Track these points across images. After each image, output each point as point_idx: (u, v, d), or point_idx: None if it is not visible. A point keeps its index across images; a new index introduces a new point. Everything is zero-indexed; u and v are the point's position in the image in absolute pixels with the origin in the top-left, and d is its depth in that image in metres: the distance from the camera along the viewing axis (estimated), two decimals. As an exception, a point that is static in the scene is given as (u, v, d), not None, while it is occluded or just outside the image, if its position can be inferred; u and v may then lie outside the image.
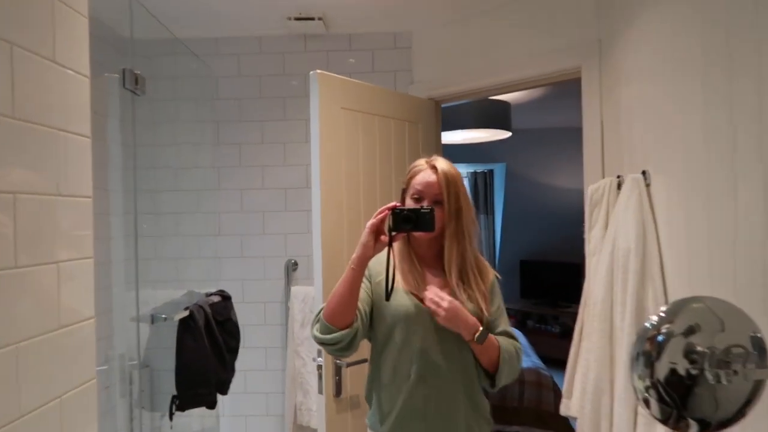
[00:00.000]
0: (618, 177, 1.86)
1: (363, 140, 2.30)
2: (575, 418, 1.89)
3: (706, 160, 1.30)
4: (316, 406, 2.60)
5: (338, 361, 2.10)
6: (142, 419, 2.14)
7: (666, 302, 1.57)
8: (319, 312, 1.49)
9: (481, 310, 1.50)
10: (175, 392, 1.88)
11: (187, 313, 1.94)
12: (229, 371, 2.16)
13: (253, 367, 2.91)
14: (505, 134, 4.47)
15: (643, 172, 1.69)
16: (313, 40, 2.90)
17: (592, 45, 2.17)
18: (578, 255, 2.15)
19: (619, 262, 1.69)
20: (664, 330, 0.84)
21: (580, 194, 2.29)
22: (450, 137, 4.40)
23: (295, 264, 2.89)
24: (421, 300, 1.48)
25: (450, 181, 1.51)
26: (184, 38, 2.61)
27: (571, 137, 3.43)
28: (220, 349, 2.04)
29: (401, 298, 1.52)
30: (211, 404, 1.99)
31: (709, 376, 0.83)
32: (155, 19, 2.15)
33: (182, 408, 1.89)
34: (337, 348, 1.46)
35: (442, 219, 1.51)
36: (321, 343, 1.48)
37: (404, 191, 1.59)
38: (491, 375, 1.53)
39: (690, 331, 0.85)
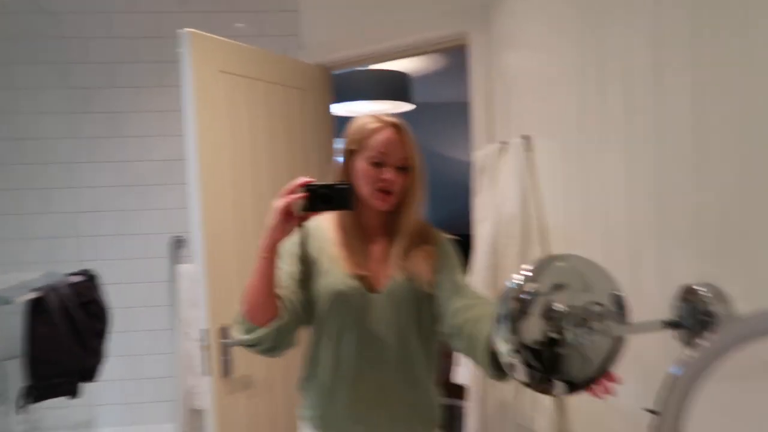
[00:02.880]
0: (503, 143, 1.87)
1: (246, 108, 2.16)
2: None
3: (581, 124, 1.31)
4: (208, 389, 2.49)
5: (225, 341, 1.99)
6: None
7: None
8: (239, 312, 1.32)
9: (417, 281, 1.35)
10: (25, 383, 1.69)
11: (33, 295, 1.74)
12: (94, 357, 1.99)
13: (140, 352, 2.73)
14: (408, 107, 4.44)
15: (525, 137, 1.70)
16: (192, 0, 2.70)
17: (478, 10, 2.16)
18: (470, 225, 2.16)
19: (504, 227, 1.70)
20: (529, 289, 0.81)
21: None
22: (352, 107, 4.31)
23: (181, 241, 2.72)
24: (364, 278, 1.35)
25: (415, 142, 1.36)
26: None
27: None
28: (81, 334, 1.86)
29: (338, 276, 1.36)
30: (71, 393, 1.81)
31: (569, 335, 0.82)
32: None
33: (37, 399, 1.71)
34: (263, 348, 1.30)
35: (405, 185, 1.36)
36: (244, 345, 1.31)
37: (352, 153, 1.37)
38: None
39: (555, 289, 0.83)
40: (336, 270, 1.37)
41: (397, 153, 1.34)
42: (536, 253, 1.59)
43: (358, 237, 1.40)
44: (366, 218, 1.41)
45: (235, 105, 2.11)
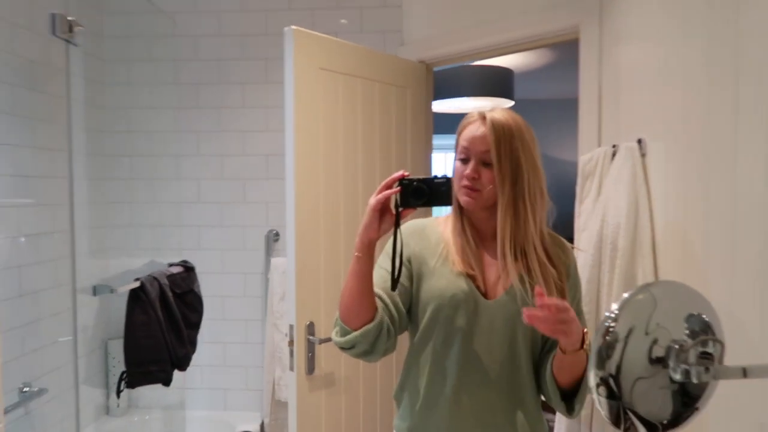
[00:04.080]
0: (613, 146, 1.71)
1: (343, 105, 2.15)
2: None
3: (707, 128, 1.14)
4: (294, 382, 2.52)
5: (311, 337, 1.99)
6: (93, 395, 2.07)
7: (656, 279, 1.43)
8: (338, 313, 1.27)
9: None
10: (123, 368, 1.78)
11: (136, 284, 1.81)
12: (187, 346, 2.06)
13: (232, 340, 2.82)
14: (507, 103, 4.28)
15: (639, 141, 1.54)
16: (298, -4, 2.74)
17: (591, 1, 1.99)
18: (572, 230, 2.00)
19: (609, 238, 1.55)
20: (611, 330, 0.74)
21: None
22: (453, 104, 4.22)
23: (277, 235, 2.77)
24: (474, 282, 1.25)
25: (503, 136, 1.20)
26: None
27: (576, 108, 3.25)
28: (177, 323, 1.93)
29: (449, 279, 1.25)
30: (165, 381, 1.88)
31: (674, 373, 0.72)
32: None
33: (131, 385, 1.79)
34: (358, 352, 1.24)
35: (492, 183, 1.22)
36: (340, 347, 1.25)
37: (456, 153, 1.31)
38: (568, 397, 1.23)
39: (629, 333, 0.76)
40: (445, 271, 1.27)
41: (478, 146, 1.22)
42: (647, 268, 1.43)
43: (469, 238, 1.29)
44: (477, 220, 1.30)
45: (333, 102, 2.10)
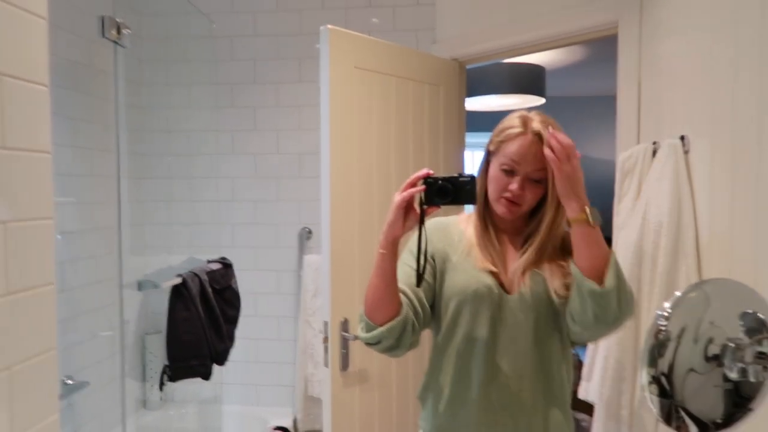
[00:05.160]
0: (654, 143, 1.68)
1: (377, 103, 2.15)
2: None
3: (757, 124, 1.12)
4: (327, 379, 2.53)
5: (345, 334, 2.00)
6: (131, 389, 2.11)
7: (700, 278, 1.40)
8: (362, 309, 1.29)
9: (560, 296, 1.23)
10: (165, 362, 1.82)
11: (179, 280, 1.85)
12: (226, 341, 2.09)
13: (265, 337, 2.85)
14: (538, 101, 4.24)
15: (682, 137, 1.51)
16: (332, -5, 2.75)
17: (632, -4, 1.96)
18: (611, 229, 1.98)
19: (650, 237, 1.52)
20: (663, 329, 0.73)
21: (615, 166, 2.10)
22: (483, 102, 4.19)
23: (310, 232, 2.79)
24: (498, 278, 1.27)
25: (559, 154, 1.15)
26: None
27: (609, 105, 3.20)
28: (217, 319, 1.96)
29: (472, 274, 1.27)
30: (205, 375, 1.92)
31: (729, 372, 0.71)
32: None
33: (173, 379, 1.83)
34: (383, 347, 1.25)
35: (538, 197, 1.25)
36: (366, 343, 1.26)
37: (490, 154, 1.30)
38: (599, 288, 1.12)
39: (682, 331, 0.75)
40: (467, 266, 1.29)
41: (531, 164, 1.22)
42: (690, 268, 1.40)
43: (492, 236, 1.32)
44: (500, 219, 1.32)
45: (367, 101, 2.11)
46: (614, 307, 1.12)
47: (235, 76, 2.83)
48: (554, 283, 1.25)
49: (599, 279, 1.13)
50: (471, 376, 1.28)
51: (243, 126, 2.84)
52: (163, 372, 1.81)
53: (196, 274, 1.97)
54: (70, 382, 2.04)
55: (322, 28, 1.97)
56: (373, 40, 2.15)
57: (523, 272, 1.27)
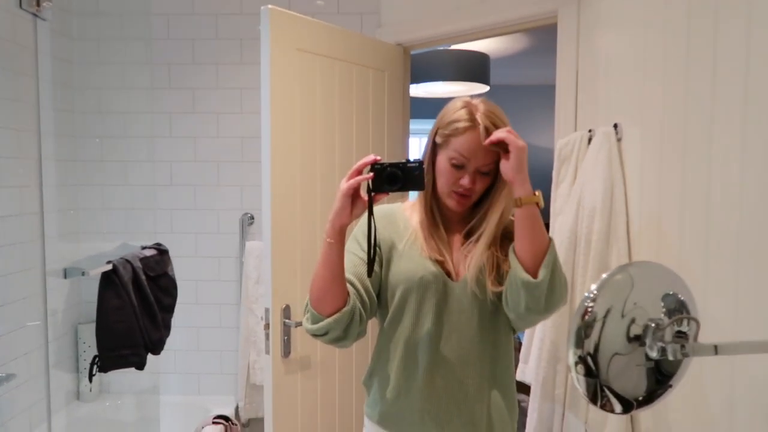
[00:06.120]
0: (590, 131, 1.73)
1: (320, 87, 2.12)
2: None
3: (683, 114, 1.16)
4: (270, 366, 2.51)
5: (287, 321, 1.98)
6: (64, 380, 2.03)
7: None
8: (308, 300, 1.25)
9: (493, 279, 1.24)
10: (95, 353, 1.75)
11: (109, 267, 1.78)
12: (162, 330, 2.03)
13: (206, 325, 2.79)
14: (483, 88, 4.29)
15: (615, 125, 1.55)
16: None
17: (570, -13, 1.99)
18: (549, 215, 2.03)
19: (584, 222, 1.57)
20: (590, 310, 0.75)
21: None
22: (428, 89, 4.21)
23: (251, 218, 2.74)
24: (443, 267, 1.27)
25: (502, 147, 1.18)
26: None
27: (551, 94, 3.27)
28: (151, 307, 1.90)
29: (418, 262, 1.27)
30: (138, 365, 1.86)
31: (650, 351, 0.74)
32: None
33: (104, 369, 1.76)
34: (330, 338, 1.22)
35: (486, 187, 1.26)
36: (312, 334, 1.23)
37: (436, 145, 1.27)
38: (532, 280, 1.14)
39: (607, 312, 0.78)
40: (414, 254, 1.28)
41: (481, 159, 1.22)
42: (621, 252, 1.45)
43: (439, 224, 1.32)
44: (446, 207, 1.32)
45: (310, 84, 2.07)
46: (545, 298, 1.15)
47: (172, 56, 2.73)
48: (491, 276, 1.26)
49: (536, 267, 1.14)
50: (416, 363, 1.28)
51: (181, 108, 2.74)
52: (93, 362, 1.74)
53: (128, 261, 1.89)
54: (-5, 375, 1.94)
55: (262, 8, 1.91)
56: (316, 22, 2.11)
57: (472, 263, 1.27)
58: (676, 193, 1.20)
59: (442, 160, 1.26)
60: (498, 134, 1.16)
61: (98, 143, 2.70)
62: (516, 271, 1.16)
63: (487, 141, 1.18)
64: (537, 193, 1.16)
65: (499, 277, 1.26)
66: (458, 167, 1.24)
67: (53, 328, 2.23)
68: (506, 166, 1.17)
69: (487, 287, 1.26)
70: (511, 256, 1.19)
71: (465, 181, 1.24)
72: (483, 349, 1.29)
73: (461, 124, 1.22)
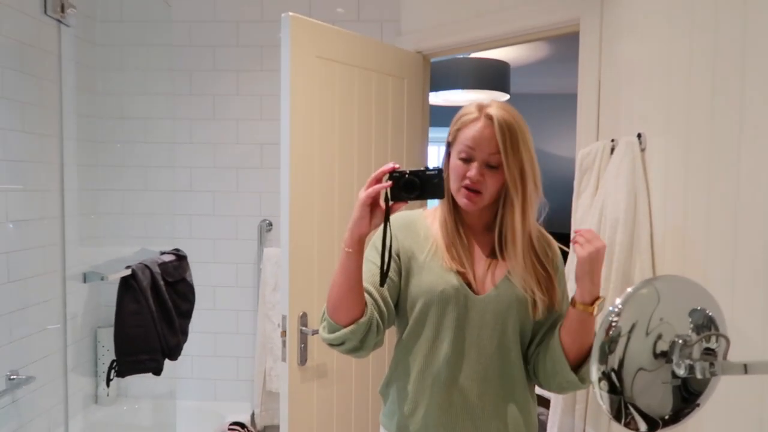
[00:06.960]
0: (612, 141, 1.70)
1: (340, 94, 2.12)
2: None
3: (710, 123, 1.13)
4: (286, 373, 2.50)
5: (304, 328, 1.97)
6: (82, 384, 2.04)
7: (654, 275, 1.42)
8: (325, 308, 1.24)
9: (539, 300, 1.23)
10: (113, 357, 1.75)
11: (127, 272, 1.78)
12: (179, 336, 2.03)
13: (223, 330, 2.80)
14: (503, 96, 4.26)
15: (638, 135, 1.52)
16: (295, -17, 2.70)
17: (593, -6, 1.97)
18: (569, 225, 1.99)
19: (606, 233, 1.54)
20: (614, 325, 0.73)
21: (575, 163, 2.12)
22: (447, 97, 4.19)
23: (270, 224, 2.74)
24: (464, 277, 1.24)
25: (511, 137, 1.18)
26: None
27: (572, 103, 3.24)
28: (169, 313, 1.90)
29: (439, 274, 1.24)
30: (155, 371, 1.86)
31: (678, 369, 0.71)
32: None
33: (121, 374, 1.77)
34: (347, 348, 1.21)
35: (498, 184, 1.22)
36: (328, 344, 1.22)
37: (449, 145, 1.27)
38: (576, 368, 1.20)
39: (632, 328, 0.75)
40: (435, 266, 1.26)
41: (486, 148, 1.19)
42: (645, 264, 1.42)
43: (460, 233, 1.28)
44: (466, 216, 1.29)
45: (330, 91, 2.07)
46: (580, 388, 1.23)
47: (193, 63, 2.75)
48: (539, 291, 1.24)
49: (580, 360, 1.20)
50: (434, 376, 1.26)
51: (201, 114, 2.77)
52: (111, 367, 1.74)
53: (146, 266, 1.90)
54: (14, 377, 1.96)
55: (283, 15, 1.92)
56: (337, 30, 2.11)
57: (487, 271, 1.26)
58: (702, 205, 1.17)
59: (453, 158, 1.25)
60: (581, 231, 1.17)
61: (119, 149, 2.73)
62: (563, 371, 1.20)
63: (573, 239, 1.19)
64: (596, 302, 1.15)
65: (546, 309, 1.26)
66: (466, 160, 1.22)
67: (72, 331, 2.25)
68: (576, 266, 1.16)
69: (537, 308, 1.24)
70: (557, 345, 1.21)
71: (472, 172, 1.21)
72: (502, 365, 1.26)
73: (468, 117, 1.22)
